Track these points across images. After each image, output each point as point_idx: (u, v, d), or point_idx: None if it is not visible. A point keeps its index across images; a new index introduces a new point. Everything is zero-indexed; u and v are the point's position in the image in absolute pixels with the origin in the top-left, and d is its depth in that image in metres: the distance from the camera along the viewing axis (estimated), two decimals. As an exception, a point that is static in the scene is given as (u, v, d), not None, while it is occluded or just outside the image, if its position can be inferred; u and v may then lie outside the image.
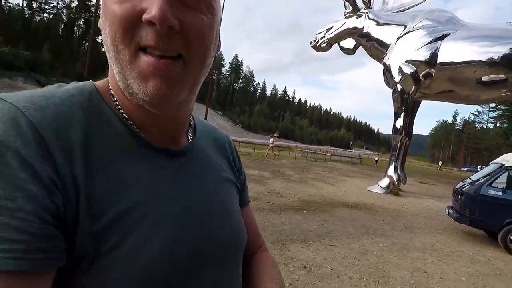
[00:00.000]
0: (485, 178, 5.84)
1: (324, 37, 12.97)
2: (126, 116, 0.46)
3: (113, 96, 0.47)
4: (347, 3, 12.49)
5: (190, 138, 0.56)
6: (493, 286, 3.78)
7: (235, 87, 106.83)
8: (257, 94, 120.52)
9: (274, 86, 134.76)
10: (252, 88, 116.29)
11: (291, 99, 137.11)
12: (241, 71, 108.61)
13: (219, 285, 0.50)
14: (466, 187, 6.06)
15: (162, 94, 0.41)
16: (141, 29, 0.39)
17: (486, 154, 47.73)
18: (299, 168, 15.80)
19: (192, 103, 0.51)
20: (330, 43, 13.04)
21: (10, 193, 0.32)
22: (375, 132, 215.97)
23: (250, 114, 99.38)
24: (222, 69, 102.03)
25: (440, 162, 57.47)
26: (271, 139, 19.04)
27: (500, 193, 5.48)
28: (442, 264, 4.36)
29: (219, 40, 0.50)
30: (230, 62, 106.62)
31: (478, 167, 53.08)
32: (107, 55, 0.43)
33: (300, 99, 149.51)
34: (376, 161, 35.78)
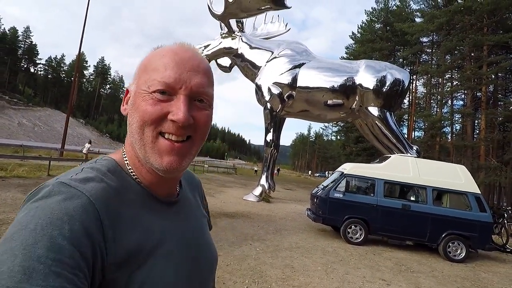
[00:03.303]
0: (332, 184, 7.32)
1: (202, 53, 13.37)
2: (139, 180, 0.62)
3: (128, 165, 0.62)
4: (223, 24, 13.39)
5: (178, 188, 0.72)
6: (338, 270, 4.81)
7: (101, 92, 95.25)
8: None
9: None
10: (122, 95, 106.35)
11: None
12: (108, 76, 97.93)
13: None
14: (320, 192, 7.44)
15: (175, 167, 0.58)
16: (165, 122, 0.57)
17: (331, 161, 58.95)
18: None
19: None
20: (208, 60, 13.53)
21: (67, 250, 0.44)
22: (247, 143, 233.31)
23: (120, 123, 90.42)
24: (85, 72, 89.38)
25: (309, 171, 67.75)
26: (87, 145, 17.57)
27: (341, 196, 6.99)
28: (304, 258, 5.21)
29: None
30: (95, 65, 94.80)
31: (326, 172, 64.76)
32: (130, 134, 0.60)
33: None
34: (256, 171, 38.27)
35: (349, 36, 37.52)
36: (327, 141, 78.25)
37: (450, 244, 6.70)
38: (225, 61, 14.44)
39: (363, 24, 36.26)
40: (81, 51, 22.83)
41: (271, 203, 12.05)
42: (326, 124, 67.14)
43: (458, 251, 6.67)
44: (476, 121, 25.15)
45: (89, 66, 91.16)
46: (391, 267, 5.38)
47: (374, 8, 35.26)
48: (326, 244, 6.49)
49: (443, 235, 6.71)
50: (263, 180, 12.40)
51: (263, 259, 4.86)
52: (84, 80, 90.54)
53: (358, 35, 36.61)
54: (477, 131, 25.20)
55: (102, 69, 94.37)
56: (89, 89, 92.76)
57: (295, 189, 22.24)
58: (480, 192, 7.20)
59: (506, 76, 24.92)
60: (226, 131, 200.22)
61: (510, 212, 9.00)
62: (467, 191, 7.07)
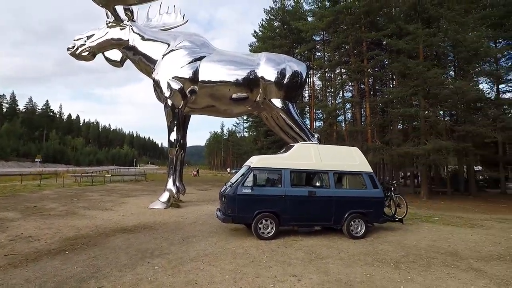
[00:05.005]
0: (240, 179, 6.92)
1: (84, 44, 11.41)
2: None
3: None
4: (109, 12, 11.67)
5: None
6: (248, 274, 4.36)
7: (-39, 99, 75.93)
8: (4, 110, 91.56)
9: (30, 99, 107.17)
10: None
11: (57, 115, 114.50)
12: (-29, 78, 78.62)
13: None
14: (228, 190, 6.94)
15: None
16: None
17: (245, 157, 60.03)
18: (67, 198, 13.09)
19: None
20: (93, 52, 11.62)
21: None
22: (159, 146, 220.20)
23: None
24: None
25: (228, 169, 67.65)
26: None
27: (250, 191, 6.64)
28: (211, 268, 4.61)
29: None
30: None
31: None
32: None
33: (70, 115, 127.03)
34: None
35: (252, 34, 38.44)
36: (240, 137, 79.68)
37: (352, 223, 7.07)
38: (115, 54, 12.68)
39: (264, 23, 37.64)
40: None
41: (182, 207, 11.12)
42: (238, 121, 68.07)
43: (359, 228, 7.09)
44: (362, 109, 28.81)
45: None
46: (302, 258, 5.25)
47: (272, 7, 36.91)
48: (237, 245, 6.04)
49: (346, 215, 7.03)
50: (169, 184, 11.34)
51: (161, 279, 4.06)
52: None
53: (260, 33, 37.83)
54: (364, 118, 28.90)
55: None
56: None
57: (210, 189, 21.54)
58: (372, 171, 7.83)
59: (379, 70, 29.06)
60: (135, 135, 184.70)
61: (396, 185, 10.23)
62: (362, 171, 7.59)
